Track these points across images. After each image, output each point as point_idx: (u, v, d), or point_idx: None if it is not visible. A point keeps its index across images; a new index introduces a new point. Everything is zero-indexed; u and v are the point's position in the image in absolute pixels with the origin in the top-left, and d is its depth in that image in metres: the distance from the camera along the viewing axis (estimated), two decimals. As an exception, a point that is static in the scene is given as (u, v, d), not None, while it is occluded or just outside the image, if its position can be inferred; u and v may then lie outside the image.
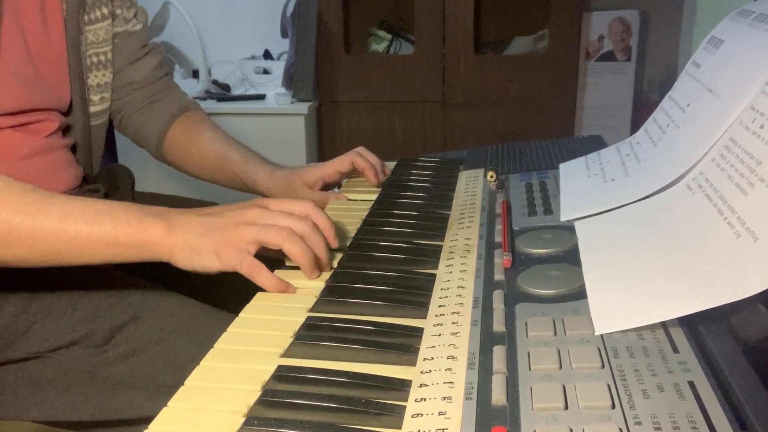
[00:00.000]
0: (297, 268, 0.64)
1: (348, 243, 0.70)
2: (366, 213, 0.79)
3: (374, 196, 0.85)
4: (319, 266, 0.64)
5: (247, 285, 0.61)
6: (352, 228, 0.75)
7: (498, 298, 0.53)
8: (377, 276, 0.62)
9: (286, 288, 0.61)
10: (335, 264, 0.66)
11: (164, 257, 0.63)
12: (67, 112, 0.85)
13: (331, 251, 0.66)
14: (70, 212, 0.61)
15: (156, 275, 0.82)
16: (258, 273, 0.61)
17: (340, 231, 0.69)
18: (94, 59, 0.89)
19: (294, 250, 0.62)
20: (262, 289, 0.62)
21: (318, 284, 0.61)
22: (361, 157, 0.90)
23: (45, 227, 0.60)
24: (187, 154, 0.99)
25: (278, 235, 0.61)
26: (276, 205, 0.65)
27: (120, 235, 0.61)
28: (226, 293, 0.93)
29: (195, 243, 0.62)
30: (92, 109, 0.89)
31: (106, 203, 0.64)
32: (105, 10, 0.89)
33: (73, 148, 0.87)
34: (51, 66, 0.82)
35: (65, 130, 0.86)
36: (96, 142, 0.92)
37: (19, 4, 0.77)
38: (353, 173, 0.94)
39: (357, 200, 0.88)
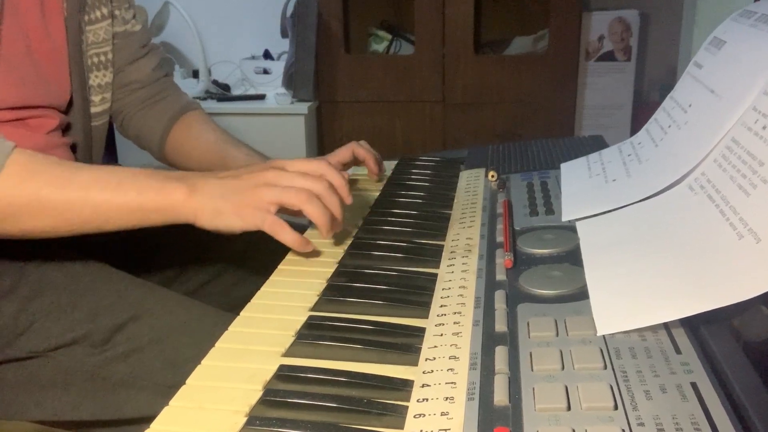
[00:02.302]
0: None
1: (350, 242, 0.70)
2: (368, 211, 0.79)
3: (375, 195, 0.85)
4: (334, 225, 0.67)
5: (247, 284, 0.62)
6: (353, 227, 0.74)
7: (500, 298, 0.53)
8: (379, 275, 0.62)
9: (307, 245, 0.65)
10: (340, 255, 0.67)
11: (188, 219, 0.65)
12: (66, 111, 0.85)
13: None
14: (95, 181, 0.64)
15: (156, 274, 0.82)
16: (281, 230, 0.64)
17: (341, 230, 0.70)
18: (95, 59, 0.89)
19: (313, 212, 0.65)
20: (259, 287, 0.62)
21: (320, 282, 0.61)
22: (361, 147, 0.91)
23: (71, 197, 0.63)
24: (189, 155, 0.99)
25: (298, 197, 0.64)
26: (292, 165, 0.68)
27: (144, 200, 0.64)
28: (228, 292, 0.93)
29: (217, 204, 0.64)
30: (93, 109, 0.89)
31: (128, 170, 0.66)
32: (105, 11, 0.89)
33: (73, 148, 0.87)
34: (51, 64, 0.82)
35: (65, 129, 0.86)
36: (97, 143, 0.92)
37: (19, 3, 0.77)
38: (354, 164, 0.94)
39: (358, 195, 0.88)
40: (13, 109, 0.76)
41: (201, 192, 0.65)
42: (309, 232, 0.72)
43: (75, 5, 0.83)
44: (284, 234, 0.64)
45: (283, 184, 0.65)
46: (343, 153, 0.91)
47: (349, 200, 0.69)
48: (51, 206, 0.63)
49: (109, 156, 1.98)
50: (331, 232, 0.66)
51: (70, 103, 0.86)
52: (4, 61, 0.74)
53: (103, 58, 0.90)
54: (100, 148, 0.94)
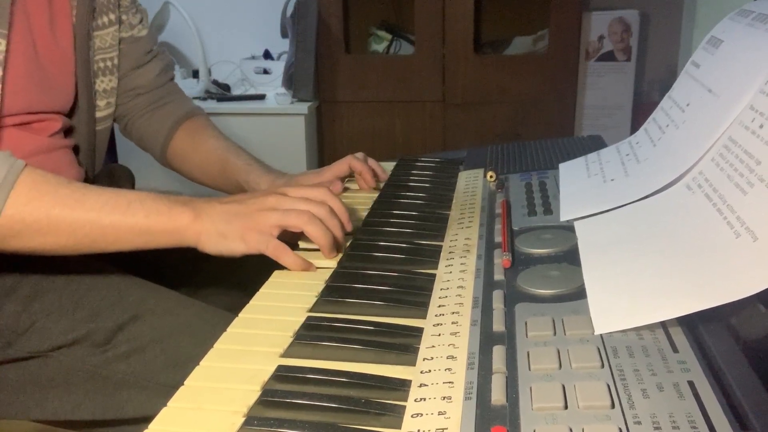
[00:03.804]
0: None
1: (348, 243, 0.71)
2: (366, 212, 0.79)
3: (374, 195, 0.85)
4: (336, 247, 0.68)
5: (246, 284, 0.62)
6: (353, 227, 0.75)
7: (498, 298, 0.53)
8: (377, 276, 0.62)
9: (308, 267, 0.66)
10: (339, 256, 0.68)
11: (192, 243, 0.67)
12: (69, 114, 0.86)
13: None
14: (105, 203, 0.65)
15: (157, 274, 0.82)
16: (283, 254, 0.66)
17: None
18: (101, 65, 0.89)
19: (315, 232, 0.66)
20: (258, 288, 0.62)
21: (318, 283, 0.62)
22: (357, 160, 0.91)
23: (81, 218, 0.64)
24: (190, 161, 1.00)
25: (300, 218, 0.66)
26: (294, 192, 0.70)
27: (152, 223, 0.66)
28: (227, 293, 0.93)
29: (221, 229, 0.66)
30: (98, 114, 0.90)
31: (136, 194, 0.68)
32: (112, 16, 0.89)
33: (75, 150, 0.87)
34: (58, 70, 0.82)
35: (67, 131, 0.86)
36: (100, 146, 0.93)
37: (27, 8, 0.77)
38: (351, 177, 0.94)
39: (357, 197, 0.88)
40: (19, 114, 0.77)
41: (206, 217, 0.66)
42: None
43: (84, 11, 0.83)
44: (287, 257, 0.66)
45: (285, 208, 0.67)
46: (339, 167, 0.91)
47: (349, 226, 0.71)
48: (60, 225, 0.64)
49: (109, 157, 1.98)
50: (333, 252, 0.68)
51: (74, 107, 0.86)
52: (12, 68, 0.75)
53: (109, 63, 0.90)
54: (103, 150, 0.94)
